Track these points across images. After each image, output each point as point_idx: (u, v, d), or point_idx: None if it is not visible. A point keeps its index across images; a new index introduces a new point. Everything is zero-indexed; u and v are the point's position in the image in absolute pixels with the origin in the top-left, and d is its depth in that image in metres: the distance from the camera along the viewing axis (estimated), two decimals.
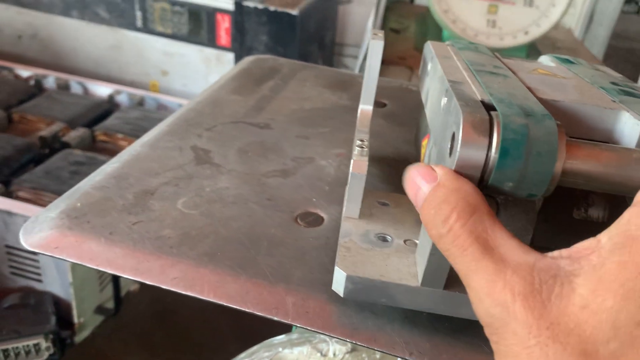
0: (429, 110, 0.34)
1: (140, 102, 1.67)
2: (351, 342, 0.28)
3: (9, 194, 1.20)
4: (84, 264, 0.32)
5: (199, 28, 1.64)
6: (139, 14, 1.69)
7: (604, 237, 0.20)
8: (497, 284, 0.20)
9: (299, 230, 0.35)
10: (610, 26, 1.85)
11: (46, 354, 1.07)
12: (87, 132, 1.46)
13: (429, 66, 0.36)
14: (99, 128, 1.49)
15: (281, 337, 0.43)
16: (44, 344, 1.07)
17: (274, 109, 0.52)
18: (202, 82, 1.75)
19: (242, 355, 0.43)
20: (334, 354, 0.41)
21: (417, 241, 0.31)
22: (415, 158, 0.41)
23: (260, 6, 1.56)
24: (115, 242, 0.33)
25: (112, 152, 1.42)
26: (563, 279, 0.20)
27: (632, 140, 0.27)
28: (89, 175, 0.40)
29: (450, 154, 0.24)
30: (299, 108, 0.53)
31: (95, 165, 1.27)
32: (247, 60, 0.64)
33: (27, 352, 1.06)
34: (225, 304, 0.30)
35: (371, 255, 0.30)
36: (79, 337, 1.18)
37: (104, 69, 1.85)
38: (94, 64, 1.85)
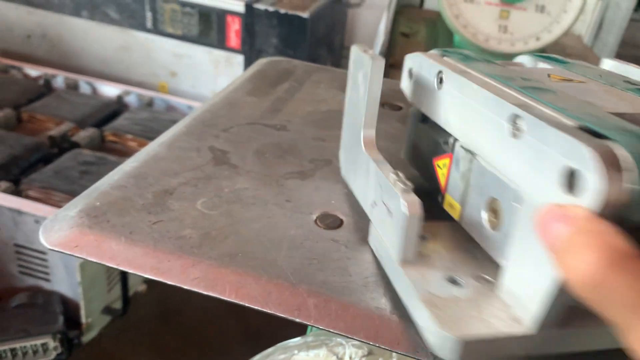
0: (463, 136, 0.31)
1: (149, 103, 1.67)
2: (374, 345, 0.28)
3: (18, 193, 1.20)
4: (104, 263, 0.32)
5: (209, 30, 1.65)
6: (149, 14, 1.69)
7: None
8: None
9: (319, 232, 0.35)
10: (619, 34, 1.85)
11: (54, 354, 1.07)
12: (97, 132, 1.47)
13: (446, 82, 0.32)
14: (108, 128, 1.49)
15: (297, 340, 0.43)
16: (51, 343, 1.07)
17: (289, 111, 0.52)
18: (211, 83, 1.75)
19: (257, 357, 0.43)
20: (350, 358, 0.41)
21: (487, 277, 0.28)
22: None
23: (270, 9, 1.56)
24: (136, 242, 0.33)
25: (122, 153, 1.43)
26: None
27: None
28: (99, 175, 0.39)
29: (571, 191, 0.22)
30: (314, 110, 0.53)
31: (104, 165, 1.28)
32: (261, 62, 0.64)
33: (35, 352, 1.06)
34: (247, 304, 0.29)
35: (461, 307, 0.26)
36: (87, 337, 1.18)
37: (112, 69, 1.85)
38: (103, 65, 1.86)
